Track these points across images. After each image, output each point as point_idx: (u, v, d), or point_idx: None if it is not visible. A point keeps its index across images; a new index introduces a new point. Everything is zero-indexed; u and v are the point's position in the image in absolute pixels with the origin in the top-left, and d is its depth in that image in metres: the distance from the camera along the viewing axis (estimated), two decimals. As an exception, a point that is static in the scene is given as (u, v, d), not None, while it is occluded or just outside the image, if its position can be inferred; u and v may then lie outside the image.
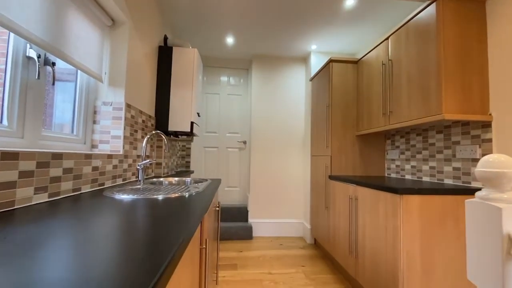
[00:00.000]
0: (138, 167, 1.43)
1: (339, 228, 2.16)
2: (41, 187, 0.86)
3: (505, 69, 1.42)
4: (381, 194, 1.58)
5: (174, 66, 2.19)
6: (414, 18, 1.69)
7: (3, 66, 0.90)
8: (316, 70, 3.05)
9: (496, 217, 0.55)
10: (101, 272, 0.36)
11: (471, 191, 1.43)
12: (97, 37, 1.39)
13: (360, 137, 2.48)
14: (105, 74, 1.51)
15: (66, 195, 0.99)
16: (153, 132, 1.50)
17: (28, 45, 0.97)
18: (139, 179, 1.43)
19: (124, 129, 1.53)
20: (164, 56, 2.20)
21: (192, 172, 2.99)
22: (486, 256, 0.58)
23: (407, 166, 2.14)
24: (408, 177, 2.13)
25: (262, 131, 3.26)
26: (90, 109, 1.47)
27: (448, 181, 1.72)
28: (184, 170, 2.99)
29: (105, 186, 1.30)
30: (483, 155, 1.50)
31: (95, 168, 1.20)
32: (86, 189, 1.13)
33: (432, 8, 1.54)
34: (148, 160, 1.48)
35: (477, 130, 1.54)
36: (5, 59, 0.90)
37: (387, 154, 2.45)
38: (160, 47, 2.21)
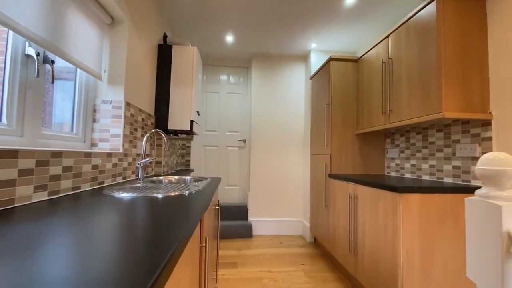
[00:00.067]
0: (138, 166, 1.43)
1: (338, 227, 2.16)
2: (41, 186, 0.86)
3: (505, 67, 1.41)
4: (381, 192, 1.58)
5: (173, 65, 2.19)
6: (414, 16, 1.68)
7: (2, 65, 0.90)
8: (316, 69, 3.04)
9: (496, 215, 0.55)
10: (100, 270, 0.36)
11: (470, 190, 1.44)
12: (96, 35, 1.38)
13: (360, 135, 2.48)
14: (105, 72, 1.51)
15: (66, 194, 0.99)
16: (153, 130, 1.50)
17: (27, 43, 0.97)
18: (139, 177, 1.43)
19: (124, 127, 1.53)
20: (164, 55, 2.19)
21: (192, 170, 2.99)
22: (485, 254, 0.58)
23: (407, 165, 2.14)
24: (408, 175, 2.13)
25: (262, 130, 3.26)
26: (90, 107, 1.47)
27: (448, 180, 1.72)
28: (184, 169, 2.99)
29: (104, 185, 1.30)
30: (483, 153, 1.50)
31: (94, 167, 1.20)
32: (85, 187, 1.13)
33: (432, 6, 1.54)
34: (148, 159, 1.48)
35: (477, 128, 1.54)
36: (4, 57, 0.90)
37: (387, 152, 2.45)
38: (159, 46, 2.20)
